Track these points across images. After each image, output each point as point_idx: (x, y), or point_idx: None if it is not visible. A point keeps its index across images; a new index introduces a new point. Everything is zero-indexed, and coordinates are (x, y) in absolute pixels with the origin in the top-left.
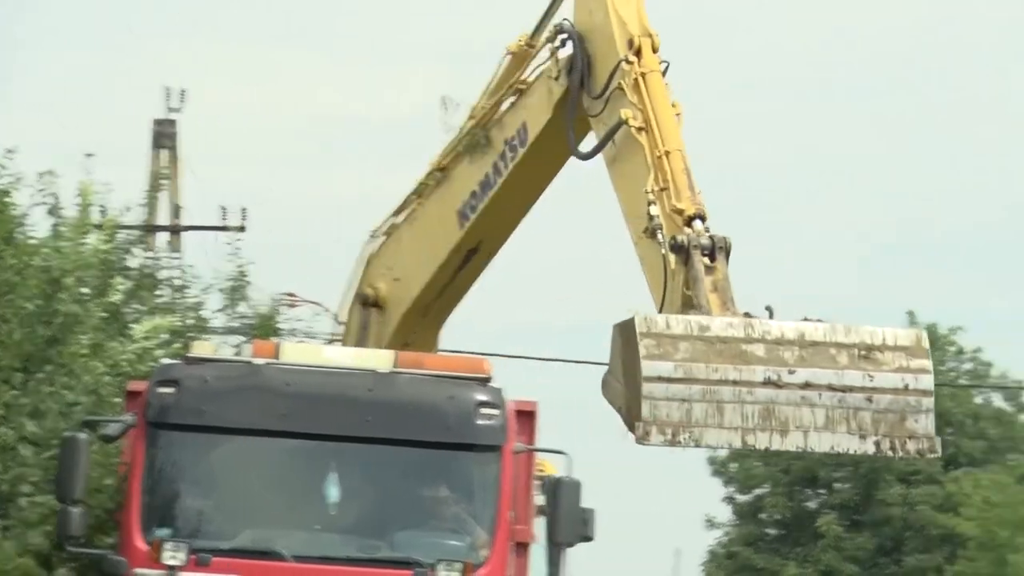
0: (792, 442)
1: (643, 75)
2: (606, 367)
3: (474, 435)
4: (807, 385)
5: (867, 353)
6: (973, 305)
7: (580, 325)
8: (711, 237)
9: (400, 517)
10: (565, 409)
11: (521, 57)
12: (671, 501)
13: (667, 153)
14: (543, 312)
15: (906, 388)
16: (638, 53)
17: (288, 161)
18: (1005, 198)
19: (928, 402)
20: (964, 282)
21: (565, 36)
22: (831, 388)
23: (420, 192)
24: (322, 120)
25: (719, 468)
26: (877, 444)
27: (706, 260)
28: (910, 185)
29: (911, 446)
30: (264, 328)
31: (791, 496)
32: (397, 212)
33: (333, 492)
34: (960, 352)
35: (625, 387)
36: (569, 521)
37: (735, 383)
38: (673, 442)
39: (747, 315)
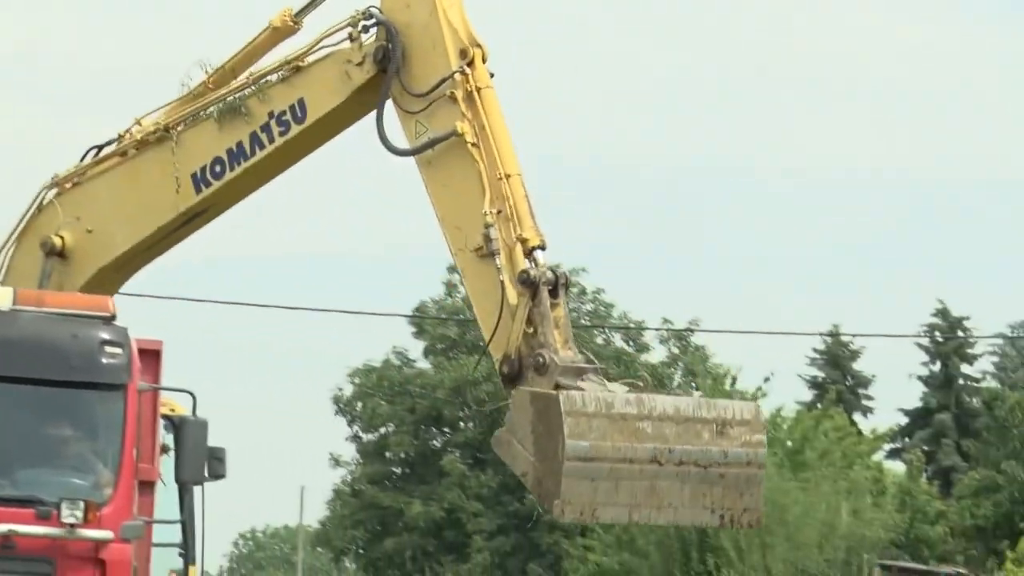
0: (665, 517)
1: (478, 89)
2: (502, 427)
3: (98, 373)
4: (680, 463)
5: (722, 428)
6: (595, 244)
7: (214, 261)
8: (555, 273)
9: (22, 456)
10: (190, 348)
11: (283, 32)
12: (296, 440)
13: (507, 176)
14: (173, 250)
15: (748, 463)
16: (471, 64)
17: None
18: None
19: (762, 474)
20: (588, 222)
21: (372, 23)
22: (697, 464)
23: (124, 149)
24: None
25: (344, 407)
26: (721, 517)
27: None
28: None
29: (744, 518)
30: None
31: (416, 435)
32: (96, 163)
33: None
34: (583, 292)
35: (535, 458)
36: (194, 459)
37: (631, 461)
38: (581, 519)
39: (634, 384)
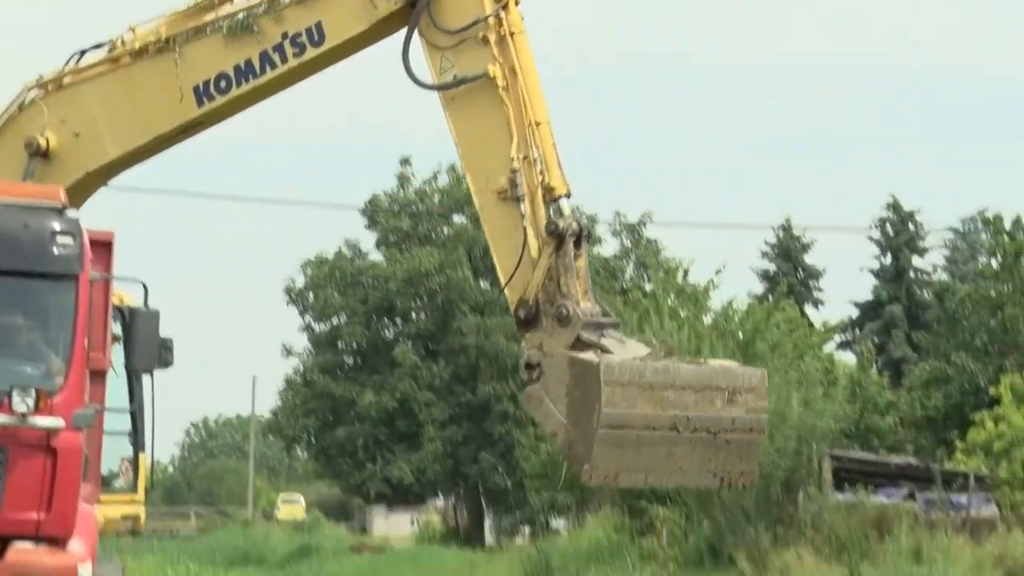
0: (674, 481)
1: (511, 34)
2: (538, 386)
3: (49, 263)
4: (695, 430)
5: (732, 396)
6: None
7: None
8: (579, 224)
9: None
10: (142, 240)
11: None
12: (249, 330)
13: (536, 124)
14: None
15: (750, 430)
16: (505, 7)
17: None
18: None
19: (761, 439)
20: None
21: None
22: (708, 431)
23: (117, 56)
24: None
25: (296, 298)
26: (721, 480)
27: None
28: None
29: (740, 480)
30: None
31: (368, 326)
32: (85, 68)
33: None
34: None
35: (568, 420)
36: (146, 349)
37: (654, 429)
38: (605, 483)
39: (667, 350)
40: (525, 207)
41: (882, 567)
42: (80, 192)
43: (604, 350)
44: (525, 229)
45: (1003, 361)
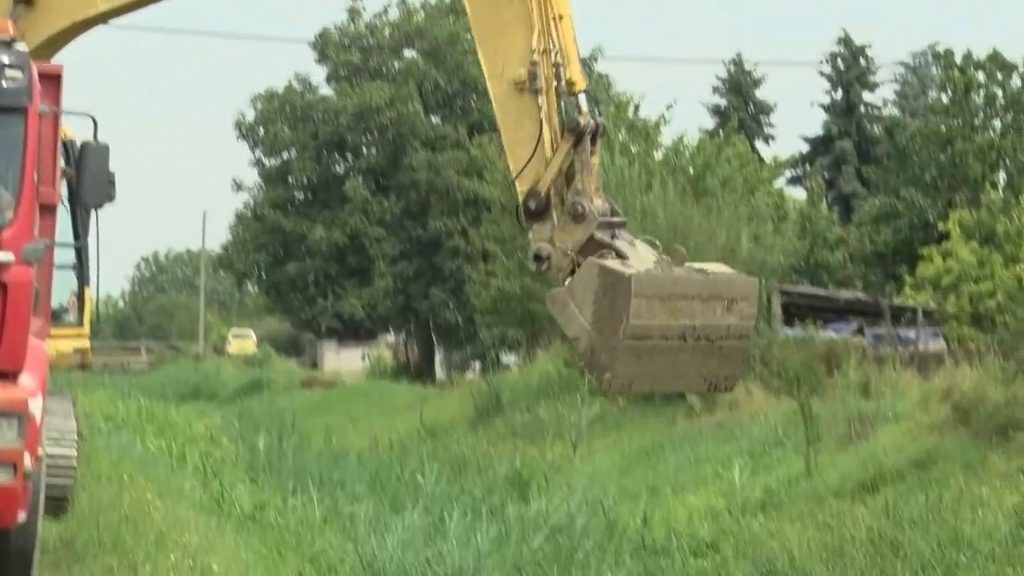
0: (674, 386)
1: None
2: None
3: None
4: (698, 338)
5: (730, 304)
6: None
7: None
8: (596, 122)
9: None
10: (92, 74)
11: None
12: (199, 164)
13: (559, 17)
14: None
15: (740, 336)
16: None
17: None
18: None
19: (748, 345)
20: None
21: None
22: (708, 339)
23: None
24: None
25: (246, 132)
26: (709, 384)
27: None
28: None
29: (724, 383)
30: None
31: (319, 160)
32: None
33: None
34: None
35: (592, 328)
36: (96, 183)
37: (666, 338)
38: (621, 391)
39: (678, 259)
40: (543, 100)
41: (831, 401)
42: (61, 39)
43: (619, 253)
44: (541, 122)
45: (952, 196)
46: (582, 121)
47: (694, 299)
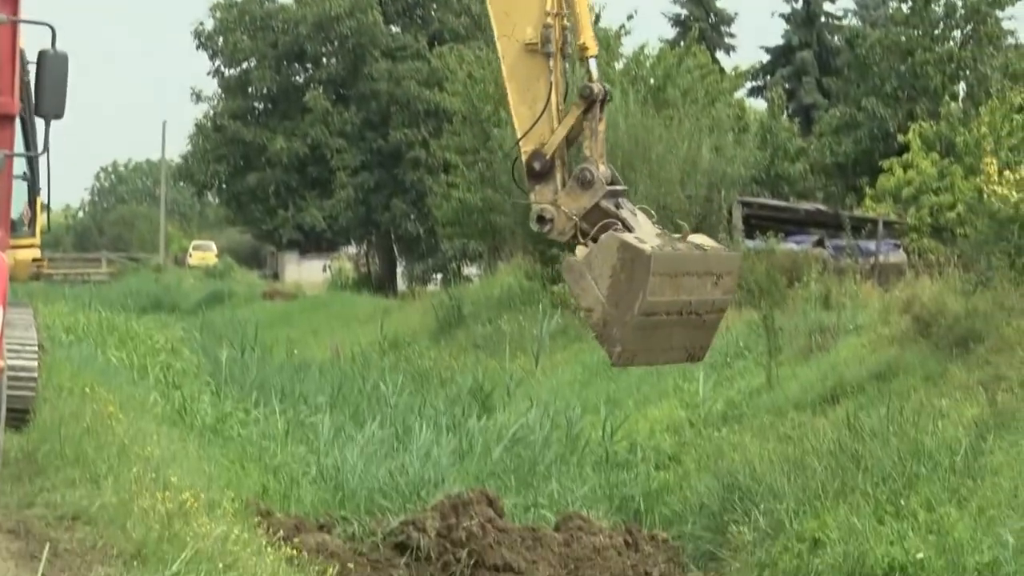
0: (665, 358)
1: None
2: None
3: None
4: (691, 313)
5: (717, 280)
6: None
7: None
8: (604, 89)
9: None
10: None
11: None
12: (157, 74)
13: None
14: None
15: (720, 310)
16: None
17: None
18: None
19: (722, 317)
20: None
21: None
22: (697, 314)
23: None
24: None
25: (205, 42)
26: (689, 355)
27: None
28: None
29: (699, 354)
30: None
31: (279, 70)
32: None
33: None
34: None
35: (607, 301)
36: (55, 93)
37: (667, 314)
38: (626, 364)
39: (647, 211)
40: (553, 63)
41: (792, 313)
42: None
43: (625, 224)
44: (551, 85)
45: (912, 107)
46: (595, 88)
47: (694, 275)
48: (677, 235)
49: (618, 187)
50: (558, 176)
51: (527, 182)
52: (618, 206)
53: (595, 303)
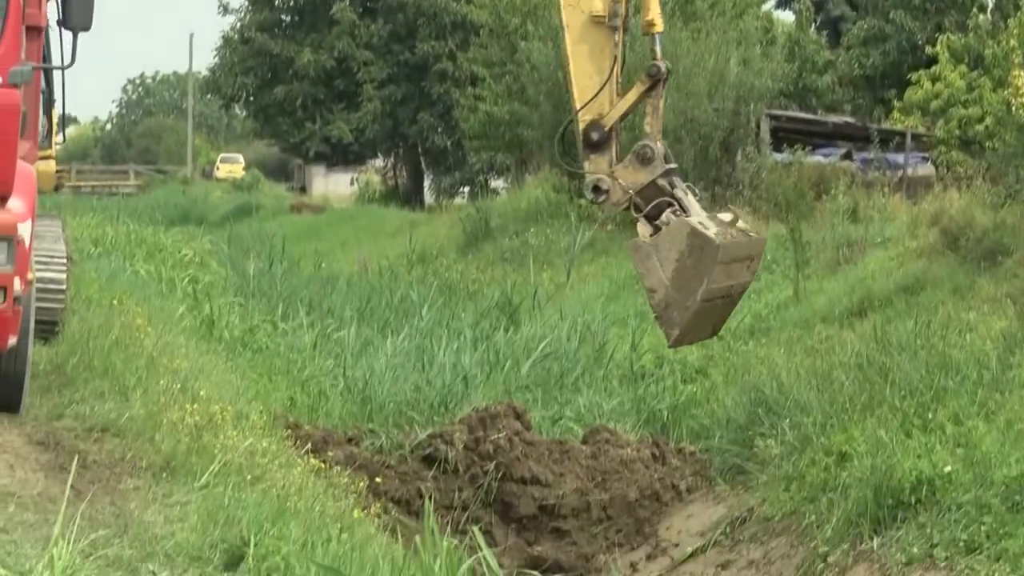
0: (700, 337)
1: None
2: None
3: None
4: (727, 296)
5: (750, 264)
6: None
7: None
8: (667, 68)
9: None
10: None
11: None
12: None
13: None
14: None
15: (743, 291)
16: None
17: None
18: None
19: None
20: None
21: None
22: (731, 296)
23: None
24: None
25: None
26: (712, 331)
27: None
28: None
29: (718, 329)
30: None
31: None
32: None
33: None
34: None
35: (671, 284)
36: (82, 5)
37: (718, 299)
38: (679, 345)
39: (732, 218)
40: (619, 36)
41: (819, 226)
42: None
43: (681, 205)
44: (615, 58)
45: (941, 19)
46: (662, 67)
47: (739, 261)
48: (723, 216)
49: (671, 165)
50: (613, 148)
51: (582, 151)
52: (672, 185)
53: (659, 285)
